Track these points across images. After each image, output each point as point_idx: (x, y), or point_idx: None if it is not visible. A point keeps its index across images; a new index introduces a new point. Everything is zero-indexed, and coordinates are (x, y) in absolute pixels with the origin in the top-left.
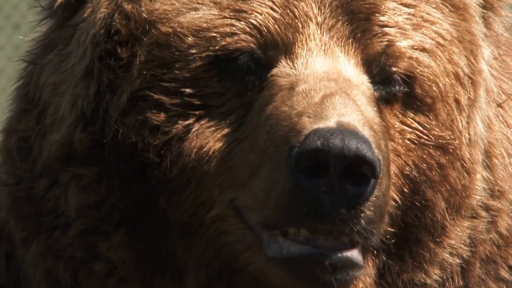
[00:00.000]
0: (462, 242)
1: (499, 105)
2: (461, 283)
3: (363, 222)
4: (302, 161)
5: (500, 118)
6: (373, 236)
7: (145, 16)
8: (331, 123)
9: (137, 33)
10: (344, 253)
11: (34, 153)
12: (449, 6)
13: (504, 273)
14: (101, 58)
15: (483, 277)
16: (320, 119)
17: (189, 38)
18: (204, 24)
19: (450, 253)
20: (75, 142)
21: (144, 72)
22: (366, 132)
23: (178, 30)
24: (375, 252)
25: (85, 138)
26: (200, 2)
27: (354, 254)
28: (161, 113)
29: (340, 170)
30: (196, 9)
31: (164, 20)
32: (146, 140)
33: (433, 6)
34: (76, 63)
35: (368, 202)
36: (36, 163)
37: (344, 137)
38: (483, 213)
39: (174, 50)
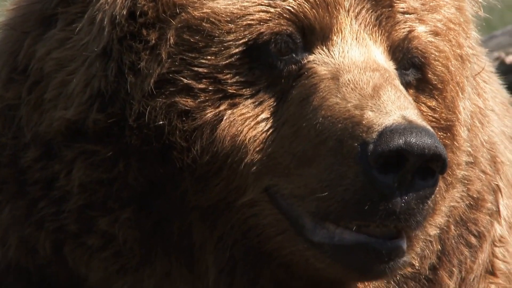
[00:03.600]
0: (444, 215)
1: (473, 77)
2: (439, 247)
3: (425, 214)
4: (381, 159)
5: (474, 89)
6: (423, 227)
7: None
8: (399, 118)
9: (165, 15)
10: (397, 242)
11: (21, 122)
12: None
13: (472, 239)
14: (122, 39)
15: (456, 239)
16: (386, 114)
17: (224, 24)
18: (239, 11)
19: (435, 228)
20: (89, 121)
21: (173, 55)
22: (430, 127)
23: (211, 15)
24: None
25: (103, 118)
26: None
27: (404, 243)
28: (190, 98)
29: (417, 167)
30: None
31: (196, 4)
32: (174, 124)
33: None
34: (90, 42)
35: (433, 195)
36: (23, 133)
37: (422, 135)
38: (458, 184)
39: (206, 35)
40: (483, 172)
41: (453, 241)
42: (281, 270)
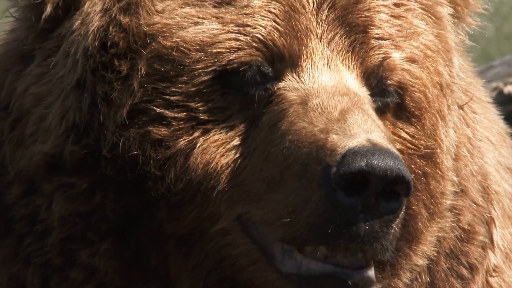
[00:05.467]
0: (431, 244)
1: (460, 107)
2: (428, 279)
3: (391, 238)
4: (343, 181)
5: (461, 119)
6: (391, 252)
7: (145, 29)
8: (363, 141)
9: (136, 46)
10: (365, 273)
11: (5, 159)
12: (432, 16)
13: (464, 271)
14: (95, 70)
15: (447, 272)
16: (350, 137)
17: (193, 53)
18: (208, 39)
19: (421, 257)
20: (65, 153)
21: (145, 85)
22: (395, 150)
23: (181, 44)
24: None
25: (78, 150)
26: (201, 16)
27: (372, 272)
28: (163, 127)
29: (380, 189)
30: (198, 24)
31: (165, 34)
32: (148, 154)
33: (419, 17)
34: (65, 75)
35: (398, 219)
36: (8, 170)
37: (384, 157)
38: (448, 213)
39: (177, 64)
40: (474, 202)
41: (443, 274)
42: None
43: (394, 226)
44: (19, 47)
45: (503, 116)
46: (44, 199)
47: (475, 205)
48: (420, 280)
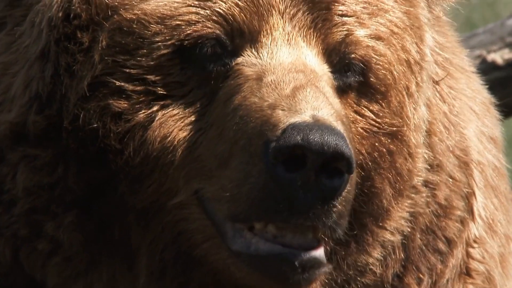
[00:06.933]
0: (403, 220)
1: (436, 83)
2: (402, 255)
3: (335, 216)
4: (280, 156)
5: (437, 94)
6: (340, 230)
7: (107, 1)
8: (306, 117)
9: (98, 18)
10: (312, 253)
11: None
12: None
13: (441, 245)
14: (58, 41)
15: (423, 247)
16: (295, 113)
17: (153, 26)
18: (169, 12)
19: (391, 233)
20: (29, 123)
21: (106, 57)
22: (340, 127)
23: (141, 17)
24: (326, 239)
25: (41, 120)
26: None
27: (321, 253)
28: (123, 100)
29: (318, 165)
30: None
31: (127, 6)
32: (108, 127)
33: None
34: (30, 45)
35: (341, 197)
36: None
37: (322, 132)
38: (423, 189)
39: (137, 37)
40: (451, 177)
41: (418, 250)
42: (209, 277)
43: (337, 204)
44: None
45: (487, 85)
46: (10, 168)
47: (451, 180)
48: (394, 256)
